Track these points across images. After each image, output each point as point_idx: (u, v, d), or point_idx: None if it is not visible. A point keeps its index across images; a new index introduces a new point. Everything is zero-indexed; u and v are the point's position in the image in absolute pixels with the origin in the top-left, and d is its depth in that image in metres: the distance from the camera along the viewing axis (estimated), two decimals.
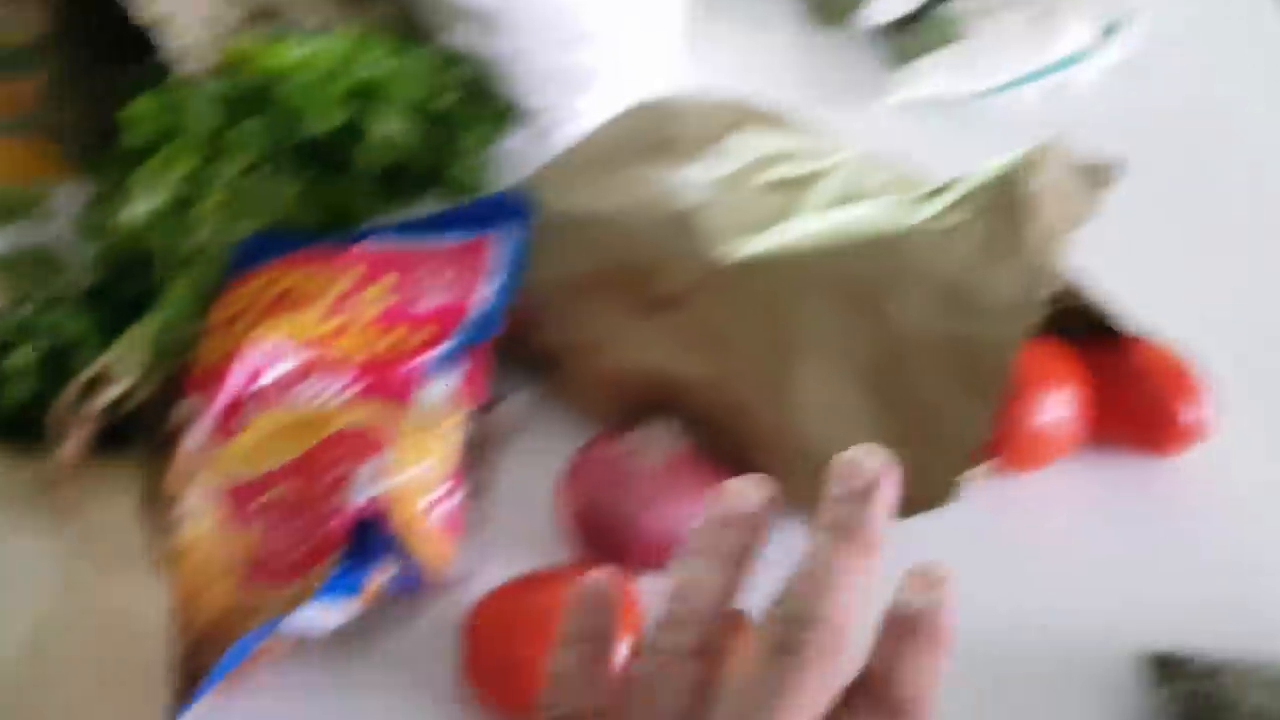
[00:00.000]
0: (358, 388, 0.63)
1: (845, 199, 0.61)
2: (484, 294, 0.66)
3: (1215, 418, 0.62)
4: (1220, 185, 0.78)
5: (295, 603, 0.54)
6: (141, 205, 0.69)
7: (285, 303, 0.65)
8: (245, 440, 0.60)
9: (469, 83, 0.81)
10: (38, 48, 0.78)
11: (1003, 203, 0.55)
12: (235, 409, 0.62)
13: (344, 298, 0.65)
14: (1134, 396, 0.62)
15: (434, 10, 0.74)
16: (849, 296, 0.56)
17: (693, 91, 0.75)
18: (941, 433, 0.53)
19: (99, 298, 0.70)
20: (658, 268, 0.62)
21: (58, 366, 0.66)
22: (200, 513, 0.57)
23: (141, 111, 0.71)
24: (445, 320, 0.66)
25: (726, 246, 0.60)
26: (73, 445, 0.57)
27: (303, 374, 0.63)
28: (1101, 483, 0.63)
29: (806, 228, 0.59)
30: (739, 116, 0.69)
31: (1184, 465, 0.63)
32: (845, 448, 0.54)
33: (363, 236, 0.70)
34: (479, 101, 0.82)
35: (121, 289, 0.71)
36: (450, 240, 0.69)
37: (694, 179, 0.64)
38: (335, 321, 0.65)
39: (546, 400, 0.68)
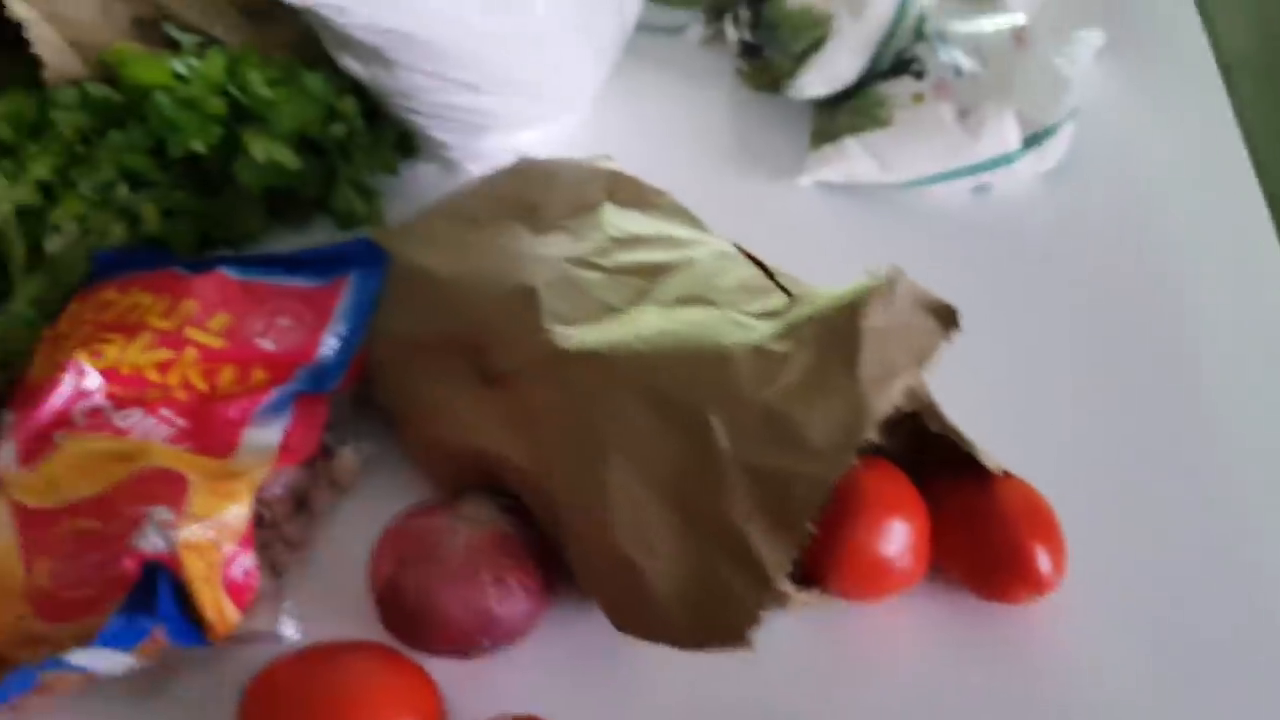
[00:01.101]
0: (179, 426, 0.60)
1: (694, 299, 0.58)
2: (327, 343, 0.64)
3: (1066, 567, 0.58)
4: (1124, 313, 0.75)
5: (77, 641, 0.52)
6: None
7: (118, 326, 0.63)
8: (51, 466, 0.58)
9: (367, 111, 0.78)
10: None
11: (836, 337, 0.51)
12: (48, 431, 0.59)
13: (178, 329, 0.63)
14: (985, 536, 0.59)
15: (328, 36, 0.71)
16: (668, 407, 0.53)
17: (581, 153, 0.72)
18: (744, 562, 0.50)
19: None
20: (494, 341, 0.59)
21: None
22: None
23: (5, 108, 0.69)
24: (281, 365, 0.63)
25: (561, 330, 0.57)
26: None
27: (124, 404, 0.61)
28: (939, 619, 0.60)
29: (643, 324, 0.57)
30: (613, 188, 0.66)
31: (1027, 609, 0.60)
32: (649, 560, 0.52)
33: (217, 264, 0.67)
34: (372, 131, 0.79)
35: None
36: (300, 282, 0.66)
37: (547, 252, 0.62)
38: (164, 353, 0.62)
39: (387, 460, 0.65)
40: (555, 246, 0.62)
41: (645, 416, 0.53)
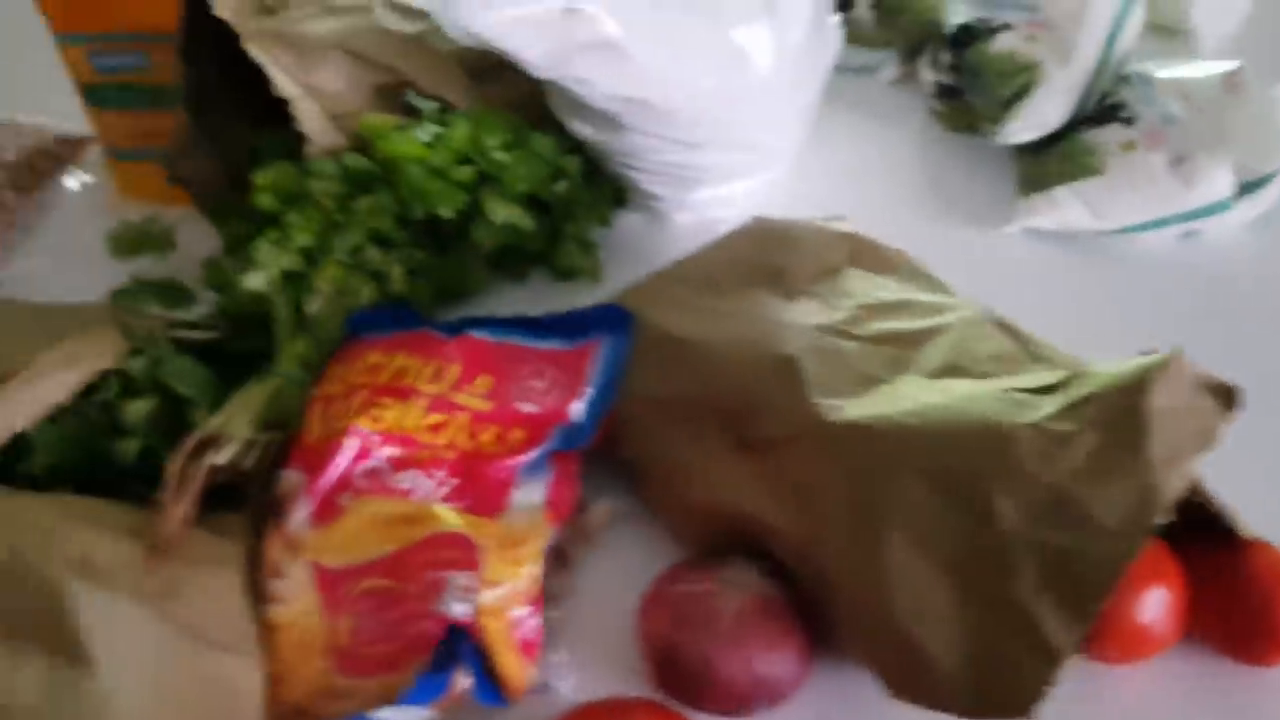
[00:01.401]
0: (451, 485, 0.63)
1: (953, 368, 0.60)
2: (579, 404, 0.66)
3: None
4: None
5: (383, 698, 0.55)
6: (263, 271, 0.70)
7: (390, 390, 0.66)
8: (343, 527, 0.61)
9: (583, 168, 0.81)
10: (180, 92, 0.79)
11: (1120, 418, 0.52)
12: (336, 492, 0.62)
13: (448, 393, 0.66)
14: (1240, 601, 0.59)
15: (560, 102, 0.73)
16: (949, 485, 0.54)
17: (785, 201, 0.74)
18: (1031, 638, 0.51)
19: (215, 353, 0.71)
20: (755, 409, 0.60)
21: (172, 420, 0.67)
22: (298, 592, 0.58)
23: (270, 179, 0.72)
24: (539, 425, 0.65)
25: (827, 402, 0.58)
26: (182, 506, 0.58)
27: (401, 465, 0.64)
28: (1194, 683, 0.61)
29: (910, 397, 0.58)
30: (854, 252, 0.67)
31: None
32: (930, 632, 0.54)
33: (467, 326, 0.70)
34: (591, 186, 0.82)
35: (237, 346, 0.72)
36: (552, 345, 0.69)
37: (801, 320, 0.63)
38: (436, 417, 0.65)
39: (630, 514, 0.67)
40: (806, 314, 0.63)
41: (924, 494, 0.54)
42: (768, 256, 0.67)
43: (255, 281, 0.70)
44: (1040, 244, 0.83)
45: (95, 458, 0.66)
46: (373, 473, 0.63)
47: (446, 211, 0.73)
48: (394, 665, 0.56)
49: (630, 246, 0.85)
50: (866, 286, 0.65)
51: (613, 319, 0.68)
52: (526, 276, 0.83)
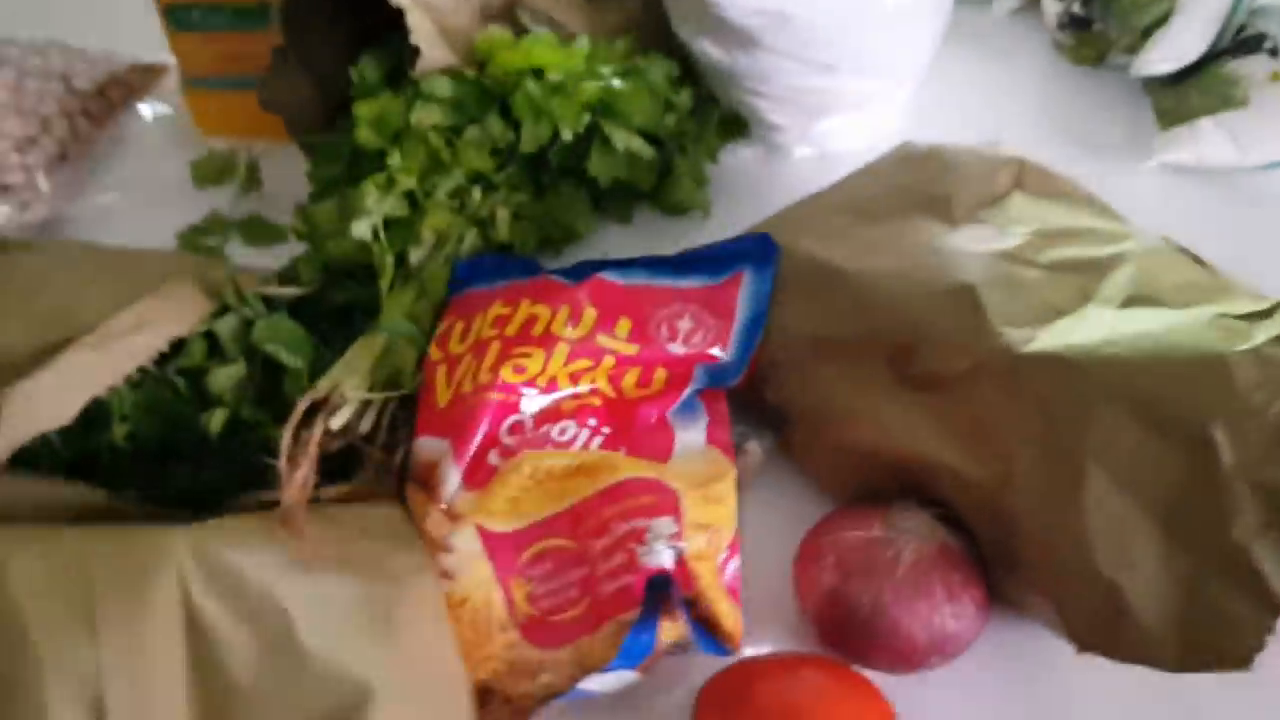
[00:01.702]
0: (604, 433, 0.59)
1: (1142, 297, 0.55)
2: (730, 341, 0.62)
3: None
4: None
5: (579, 665, 0.51)
6: (369, 218, 0.65)
7: (525, 339, 0.61)
8: (504, 486, 0.56)
9: (697, 98, 0.76)
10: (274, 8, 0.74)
11: None
12: (484, 451, 0.58)
13: (589, 337, 0.61)
14: None
15: (690, 18, 0.69)
16: (1158, 419, 0.50)
17: (902, 131, 0.69)
18: (1252, 584, 0.47)
19: (307, 309, 0.66)
20: (927, 343, 0.56)
21: (264, 385, 0.63)
22: (468, 564, 0.54)
23: (373, 111, 0.67)
24: (685, 366, 0.61)
25: (1011, 334, 0.54)
26: (302, 474, 0.53)
27: (551, 417, 0.59)
28: None
29: (1106, 326, 0.53)
30: (1019, 176, 0.63)
31: None
32: (1133, 579, 0.50)
33: (592, 270, 0.65)
34: (701, 119, 0.77)
35: (332, 300, 0.67)
36: (693, 282, 0.64)
37: (971, 247, 0.58)
38: (581, 363, 0.61)
39: (775, 457, 0.63)
40: (977, 241, 0.59)
41: (1129, 429, 0.50)
42: (927, 182, 0.63)
43: (361, 229, 0.65)
44: (1178, 180, 0.78)
45: (178, 427, 0.61)
46: (521, 426, 0.58)
47: (568, 133, 0.68)
48: (586, 629, 0.52)
49: (742, 182, 0.80)
50: (1037, 212, 0.60)
51: (757, 250, 0.64)
52: (631, 217, 0.78)
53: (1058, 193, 0.62)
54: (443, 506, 0.55)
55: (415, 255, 0.66)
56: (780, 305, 0.62)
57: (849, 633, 0.54)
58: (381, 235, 0.65)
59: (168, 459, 0.61)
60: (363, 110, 0.68)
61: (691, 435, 0.58)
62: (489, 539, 0.54)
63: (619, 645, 0.49)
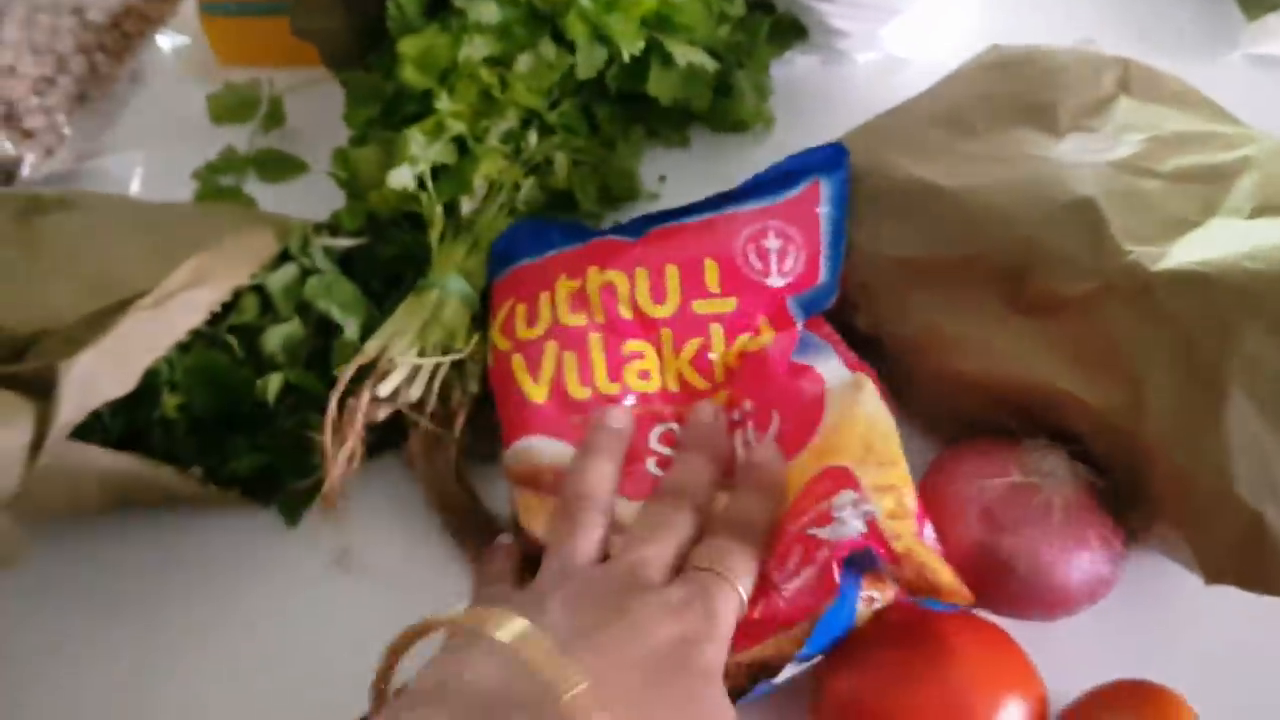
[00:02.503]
0: (753, 413, 0.55)
1: (1269, 207, 0.52)
2: (817, 258, 0.57)
3: None
4: None
5: (790, 650, 0.46)
6: (410, 167, 0.60)
7: (620, 327, 0.57)
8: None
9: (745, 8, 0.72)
10: None
11: None
12: (638, 459, 0.54)
13: (685, 308, 0.57)
14: None
15: None
16: None
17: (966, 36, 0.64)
18: None
19: (356, 263, 0.62)
20: (1043, 263, 0.52)
21: (314, 346, 0.59)
22: None
23: (419, 47, 0.62)
24: (781, 302, 0.57)
25: (1139, 251, 0.50)
26: (348, 449, 0.50)
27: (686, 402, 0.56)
28: None
29: (1239, 238, 0.50)
30: (1125, 78, 0.58)
31: None
32: (1275, 507, 0.47)
33: (649, 223, 0.60)
34: (754, 27, 0.73)
35: (379, 254, 0.63)
36: (764, 202, 0.59)
37: (1083, 158, 0.55)
38: (693, 344, 0.56)
39: None
40: (1088, 151, 0.55)
41: (1275, 348, 0.47)
42: (1027, 89, 0.59)
43: (403, 179, 0.60)
44: (1266, 73, 0.74)
45: (233, 395, 0.57)
46: (672, 435, 0.55)
47: (627, 51, 0.63)
48: (780, 626, 0.46)
49: (801, 93, 0.76)
50: (1149, 118, 0.56)
51: (826, 158, 0.59)
52: (689, 140, 0.74)
53: (1168, 95, 0.58)
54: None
55: (466, 205, 0.62)
56: (870, 226, 0.58)
57: (1000, 586, 0.50)
58: (429, 184, 0.60)
59: (223, 432, 0.58)
60: (407, 47, 0.63)
61: (835, 371, 0.54)
62: None
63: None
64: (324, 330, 0.59)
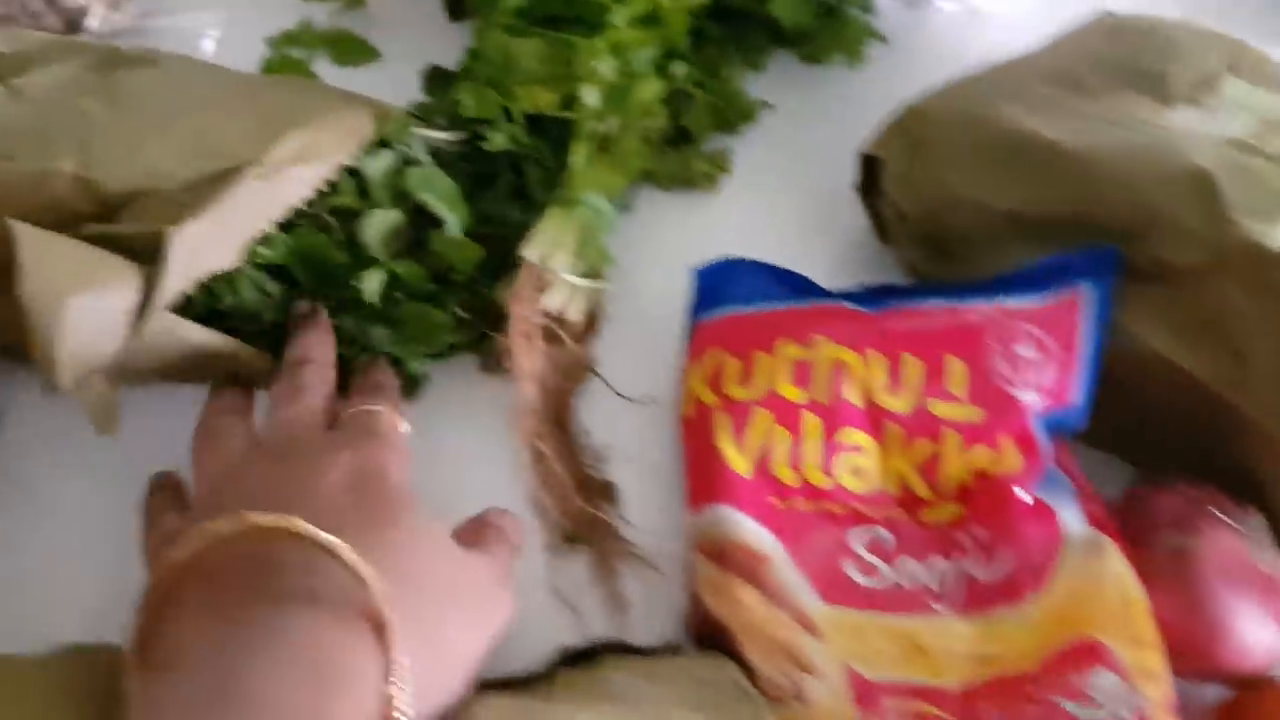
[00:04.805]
0: (976, 551, 0.50)
1: None
2: (1069, 378, 0.52)
3: None
4: None
5: None
6: (592, 85, 0.59)
7: (842, 414, 0.52)
8: (867, 625, 0.49)
9: None
10: None
11: None
12: (835, 559, 0.51)
13: (917, 409, 0.52)
14: None
15: None
16: None
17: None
18: None
19: (447, 158, 0.60)
20: (1155, 229, 0.53)
21: (410, 243, 0.56)
22: (828, 697, 0.47)
23: None
24: (1026, 422, 0.51)
25: (1256, 227, 0.51)
26: (535, 361, 0.48)
27: (917, 545, 0.51)
28: None
29: None
30: (1232, 56, 0.59)
31: None
32: None
33: (890, 297, 0.56)
34: None
35: (474, 153, 0.60)
36: (1019, 301, 0.54)
37: (1199, 130, 0.56)
38: (920, 448, 0.52)
39: None
40: (1200, 125, 0.56)
41: None
42: (1140, 58, 0.59)
43: (591, 97, 0.58)
44: None
45: (331, 276, 0.54)
46: (882, 546, 0.51)
47: None
48: None
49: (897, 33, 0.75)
50: (1257, 99, 0.58)
51: (1093, 264, 0.54)
52: (765, 64, 0.73)
53: (1272, 78, 0.59)
54: (795, 608, 0.49)
55: (607, 125, 0.60)
56: (974, 174, 0.58)
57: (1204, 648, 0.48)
58: (598, 100, 0.59)
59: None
60: None
61: (1072, 523, 0.49)
62: (855, 679, 0.47)
63: None
64: (415, 223, 0.57)
